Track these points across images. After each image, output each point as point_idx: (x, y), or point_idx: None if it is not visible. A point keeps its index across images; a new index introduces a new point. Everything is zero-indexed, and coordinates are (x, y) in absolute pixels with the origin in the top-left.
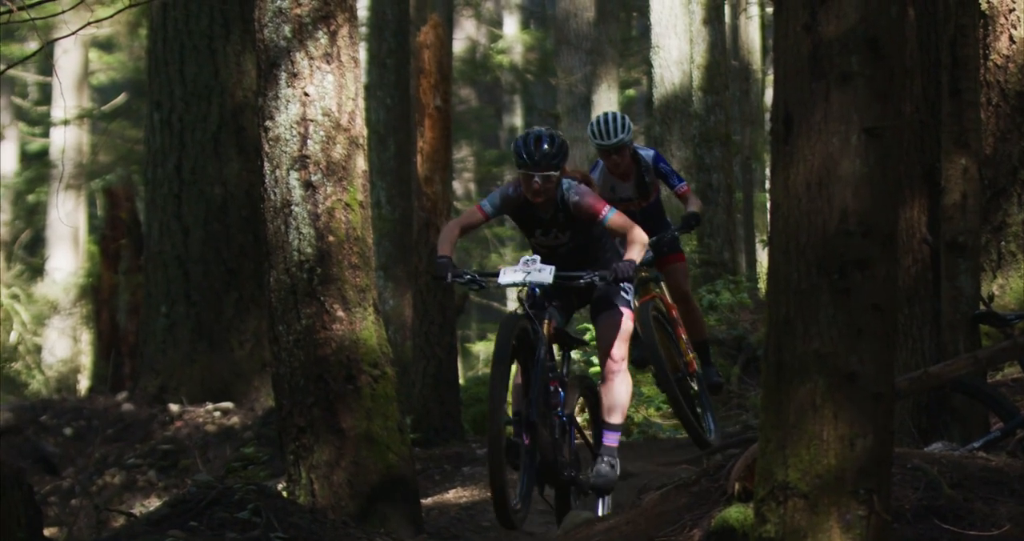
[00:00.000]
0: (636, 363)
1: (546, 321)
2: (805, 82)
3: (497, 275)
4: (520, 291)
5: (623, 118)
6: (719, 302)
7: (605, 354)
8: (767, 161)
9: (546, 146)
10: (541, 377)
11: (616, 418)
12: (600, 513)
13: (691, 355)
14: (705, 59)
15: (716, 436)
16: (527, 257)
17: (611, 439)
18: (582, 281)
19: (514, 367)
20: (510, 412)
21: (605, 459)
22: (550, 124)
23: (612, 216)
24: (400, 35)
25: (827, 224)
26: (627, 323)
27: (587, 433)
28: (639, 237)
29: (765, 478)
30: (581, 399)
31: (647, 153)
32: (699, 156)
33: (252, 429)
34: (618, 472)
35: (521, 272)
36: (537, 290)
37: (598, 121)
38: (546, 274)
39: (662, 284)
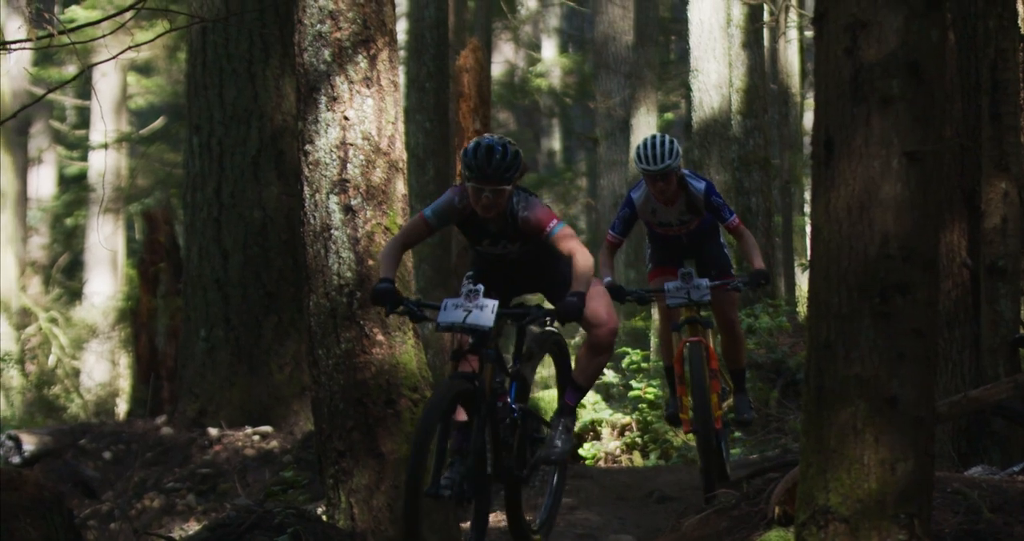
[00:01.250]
0: (670, 420)
1: (488, 366)
2: (846, 106)
3: (439, 308)
4: (455, 337)
5: (671, 142)
6: (758, 326)
7: (596, 325)
8: (806, 185)
9: (498, 157)
10: (491, 428)
11: (586, 380)
12: (551, 492)
13: (719, 412)
14: (744, 83)
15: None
16: (469, 286)
17: (572, 397)
18: (526, 321)
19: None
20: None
21: (559, 430)
22: (589, 148)
23: (559, 231)
24: (439, 59)
25: (868, 248)
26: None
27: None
28: (584, 262)
29: (806, 502)
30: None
31: (699, 184)
32: (738, 180)
33: (291, 453)
34: (572, 442)
35: (462, 310)
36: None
37: (644, 144)
38: (487, 314)
39: (711, 327)
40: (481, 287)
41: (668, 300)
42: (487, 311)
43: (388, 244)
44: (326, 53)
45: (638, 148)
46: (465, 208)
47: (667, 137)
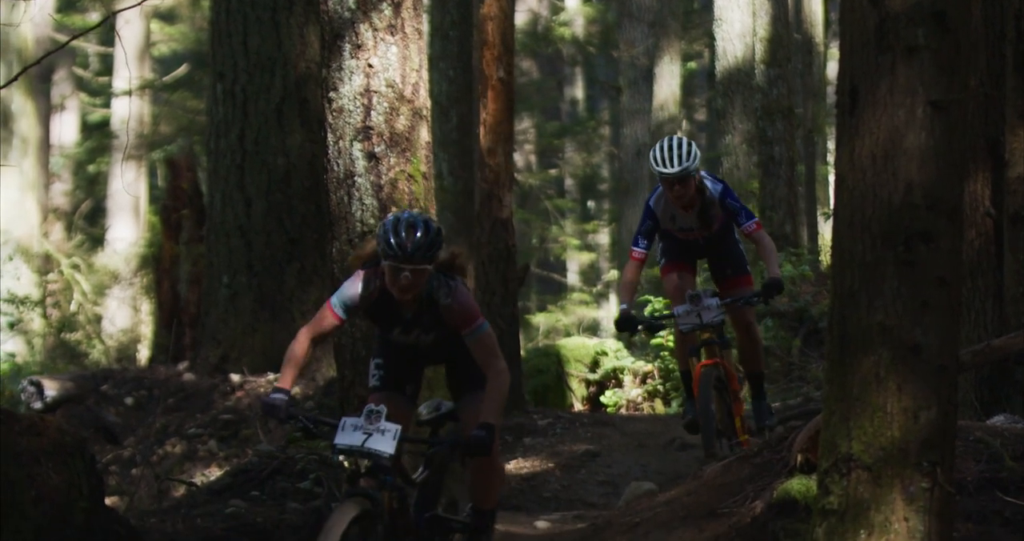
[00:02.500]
0: (689, 428)
1: (386, 494)
2: (871, 55)
3: (336, 426)
4: (351, 462)
5: (689, 144)
6: (780, 274)
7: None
8: (829, 134)
9: (419, 235)
10: None
11: (487, 503)
12: None
13: (745, 437)
14: (768, 32)
15: None
16: (371, 406)
17: (480, 520)
18: (433, 450)
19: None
20: None
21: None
22: (612, 96)
23: (480, 335)
24: (463, 7)
25: (892, 197)
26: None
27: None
28: (500, 388)
29: (828, 450)
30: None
31: (715, 186)
32: (761, 129)
33: (314, 399)
34: None
35: (361, 432)
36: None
37: (661, 146)
38: (388, 440)
39: (729, 349)
40: (383, 409)
41: (680, 325)
42: (388, 437)
43: (297, 340)
44: (350, 1)
45: (653, 151)
46: (375, 292)
47: (684, 139)
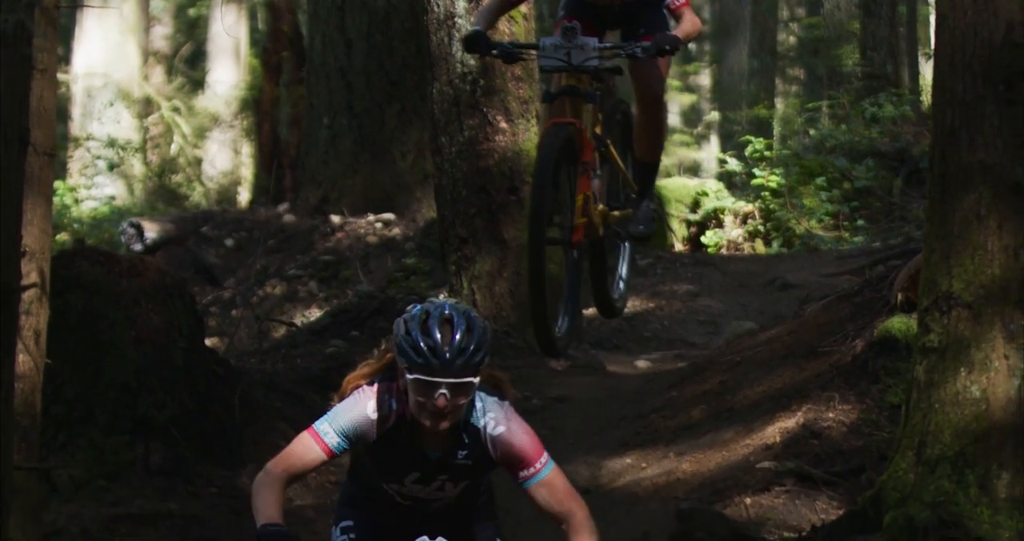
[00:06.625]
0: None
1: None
2: None
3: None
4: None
5: None
6: (882, 115)
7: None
8: None
9: (460, 335)
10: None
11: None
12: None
13: (582, 220)
14: None
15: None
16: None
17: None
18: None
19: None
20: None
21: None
22: None
23: (550, 474)
24: None
25: (993, 35)
26: None
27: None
28: (592, 528)
29: (929, 288)
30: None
31: None
32: None
33: (414, 240)
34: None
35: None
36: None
37: None
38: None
39: (593, 101)
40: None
41: (540, 60)
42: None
43: (265, 482)
44: None
45: None
46: (392, 417)
47: None
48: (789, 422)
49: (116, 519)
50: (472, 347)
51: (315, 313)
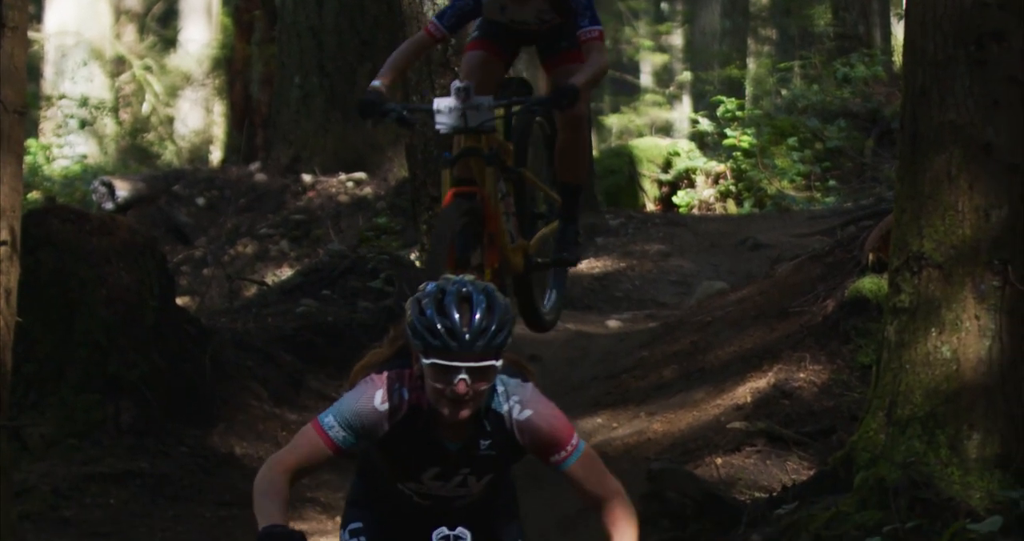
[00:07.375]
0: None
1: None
2: None
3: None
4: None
5: None
6: (853, 75)
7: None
8: None
9: (480, 314)
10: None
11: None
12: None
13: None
14: None
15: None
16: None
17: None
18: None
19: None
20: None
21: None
22: None
23: (583, 456)
24: None
25: None
26: None
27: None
28: (628, 509)
29: (900, 248)
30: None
31: None
32: None
33: (385, 199)
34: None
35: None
36: None
37: None
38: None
39: (495, 164)
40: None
41: (437, 124)
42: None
43: (269, 477)
44: None
45: None
46: (403, 407)
47: None
48: (760, 382)
49: (87, 478)
50: (494, 327)
51: (286, 272)
